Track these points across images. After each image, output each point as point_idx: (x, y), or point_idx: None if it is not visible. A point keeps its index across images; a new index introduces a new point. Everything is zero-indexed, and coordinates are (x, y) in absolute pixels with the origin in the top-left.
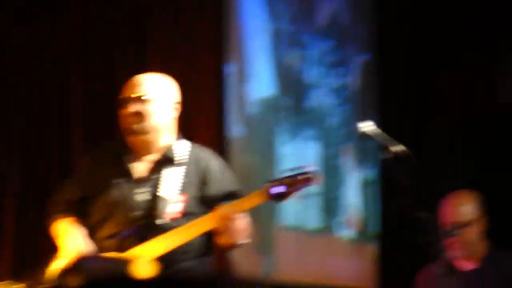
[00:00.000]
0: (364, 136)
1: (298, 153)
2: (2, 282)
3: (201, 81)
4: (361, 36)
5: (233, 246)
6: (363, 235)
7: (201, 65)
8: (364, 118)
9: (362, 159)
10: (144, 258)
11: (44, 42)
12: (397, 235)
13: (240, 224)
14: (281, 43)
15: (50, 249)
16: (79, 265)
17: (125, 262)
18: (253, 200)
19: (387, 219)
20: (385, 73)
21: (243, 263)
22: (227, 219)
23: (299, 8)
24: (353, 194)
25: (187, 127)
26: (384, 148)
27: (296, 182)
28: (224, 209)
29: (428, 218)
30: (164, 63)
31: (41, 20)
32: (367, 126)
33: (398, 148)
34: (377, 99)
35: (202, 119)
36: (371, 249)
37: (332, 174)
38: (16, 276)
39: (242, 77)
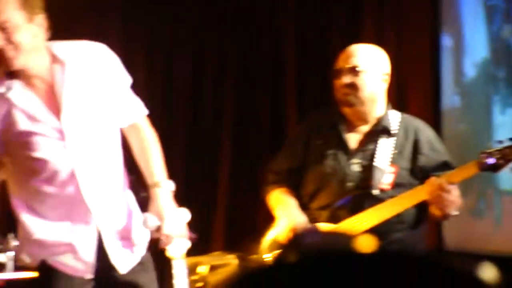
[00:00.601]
0: None
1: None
2: (214, 253)
3: (415, 52)
4: None
5: (445, 217)
6: None
7: (415, 36)
8: None
9: None
10: (361, 231)
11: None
12: None
13: (453, 194)
14: (496, 18)
15: (262, 220)
16: (297, 239)
17: (346, 236)
18: (467, 170)
19: None
20: None
21: (456, 231)
22: (441, 190)
23: None
24: None
25: (400, 98)
26: None
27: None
28: (437, 180)
29: None
30: (377, 32)
31: None
32: None
33: None
34: None
35: (414, 90)
36: None
37: None
38: (228, 247)
39: (458, 49)
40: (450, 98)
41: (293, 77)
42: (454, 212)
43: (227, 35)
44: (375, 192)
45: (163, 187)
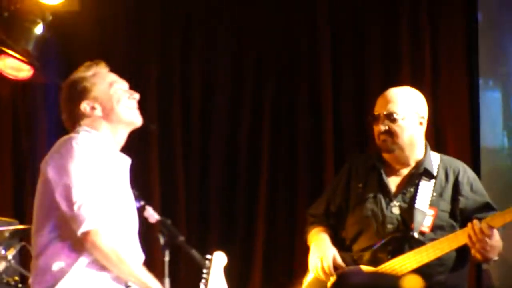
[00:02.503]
0: None
1: None
2: None
3: (453, 94)
4: None
5: (486, 261)
6: None
7: (452, 78)
8: None
9: None
10: (406, 273)
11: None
12: None
13: (494, 239)
14: None
15: (299, 262)
16: (343, 279)
17: (391, 276)
18: (509, 215)
19: None
20: None
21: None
22: (482, 235)
23: None
24: None
25: (439, 139)
26: None
27: None
28: (478, 224)
29: None
30: (413, 76)
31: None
32: None
33: None
34: None
35: (453, 131)
36: None
37: None
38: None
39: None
40: (490, 137)
41: (331, 120)
42: (495, 257)
43: (265, 67)
44: (415, 234)
45: None
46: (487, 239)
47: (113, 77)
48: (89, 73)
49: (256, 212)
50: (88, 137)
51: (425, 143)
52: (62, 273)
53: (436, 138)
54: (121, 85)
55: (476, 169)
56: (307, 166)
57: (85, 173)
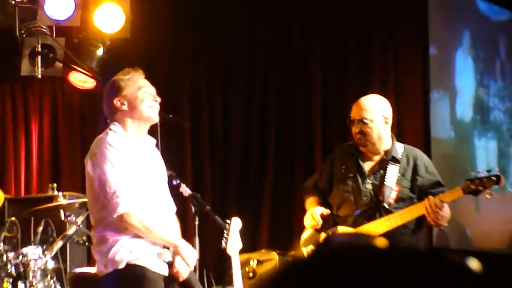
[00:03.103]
0: None
1: (484, 149)
2: (261, 250)
3: (411, 100)
4: None
5: (437, 226)
6: None
7: (411, 89)
8: None
9: None
10: (376, 235)
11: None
12: None
13: (445, 211)
14: (477, 78)
15: (298, 224)
16: (329, 239)
17: (366, 237)
18: (456, 193)
19: None
20: None
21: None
22: (435, 207)
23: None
24: None
25: (400, 132)
26: None
27: (488, 182)
28: (432, 199)
29: None
30: (382, 86)
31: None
32: None
33: None
34: None
35: (410, 127)
36: None
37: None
38: (271, 246)
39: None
40: (440, 132)
41: (319, 121)
42: (445, 223)
43: (271, 83)
44: (385, 205)
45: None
46: (439, 211)
47: (144, 82)
48: (126, 76)
49: (264, 188)
50: (115, 137)
51: (392, 136)
52: (113, 242)
53: (398, 132)
54: (148, 89)
55: (428, 155)
56: (302, 151)
57: (114, 168)
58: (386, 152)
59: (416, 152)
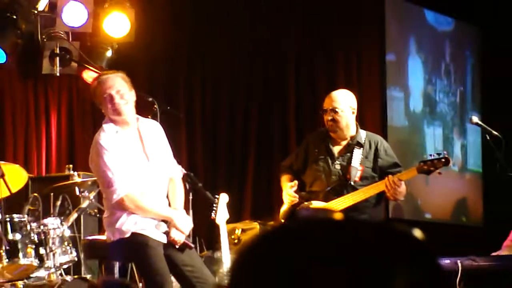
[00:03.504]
0: (475, 124)
1: (432, 136)
2: (245, 221)
3: (372, 95)
4: None
5: (395, 201)
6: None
7: (371, 85)
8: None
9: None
10: (342, 208)
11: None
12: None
13: (401, 187)
14: (426, 73)
15: (277, 199)
16: (297, 214)
17: (327, 211)
18: (411, 173)
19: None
20: None
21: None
22: (394, 184)
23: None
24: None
25: (362, 121)
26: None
27: (438, 163)
28: (391, 177)
29: None
30: (347, 83)
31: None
32: (476, 118)
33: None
34: None
35: (370, 116)
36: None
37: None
38: (254, 217)
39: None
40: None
41: (294, 111)
42: (402, 198)
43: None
44: (351, 183)
45: (179, 210)
46: (397, 188)
47: (110, 84)
48: (99, 79)
49: (247, 168)
50: (104, 134)
51: (356, 124)
52: (120, 214)
53: (361, 120)
54: (113, 90)
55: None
56: (279, 137)
57: (106, 162)
58: (352, 138)
59: (377, 137)
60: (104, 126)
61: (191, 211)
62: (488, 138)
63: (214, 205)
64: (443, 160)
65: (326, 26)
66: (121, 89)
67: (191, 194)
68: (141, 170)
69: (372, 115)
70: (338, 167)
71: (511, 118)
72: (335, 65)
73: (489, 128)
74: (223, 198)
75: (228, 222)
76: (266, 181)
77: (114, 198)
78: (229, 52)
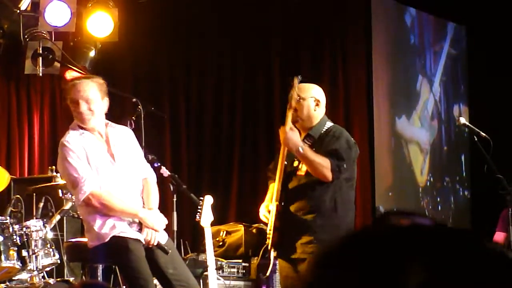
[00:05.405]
0: (462, 125)
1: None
2: (230, 223)
3: (357, 93)
4: None
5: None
6: None
7: (357, 84)
8: None
9: None
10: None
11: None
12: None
13: (295, 135)
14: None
15: (261, 201)
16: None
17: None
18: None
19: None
20: None
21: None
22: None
23: None
24: None
25: (347, 119)
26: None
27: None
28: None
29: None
30: (332, 84)
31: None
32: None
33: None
34: None
35: (357, 113)
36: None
37: None
38: (238, 219)
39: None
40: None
41: (279, 113)
42: (291, 146)
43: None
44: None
45: (153, 210)
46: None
47: (76, 91)
48: (77, 81)
49: (232, 170)
50: (69, 137)
51: (323, 117)
52: (94, 220)
53: (347, 118)
54: (78, 97)
55: (371, 135)
56: (264, 139)
57: (70, 164)
58: (310, 129)
59: (340, 131)
60: (70, 129)
61: (175, 213)
62: (475, 139)
63: (199, 207)
64: None
65: (313, 25)
66: (91, 97)
67: (175, 196)
68: (107, 171)
69: (357, 111)
70: (296, 163)
71: (495, 114)
72: (321, 64)
73: (477, 130)
74: (208, 200)
75: (212, 224)
76: (251, 183)
77: (80, 198)
78: (214, 52)
